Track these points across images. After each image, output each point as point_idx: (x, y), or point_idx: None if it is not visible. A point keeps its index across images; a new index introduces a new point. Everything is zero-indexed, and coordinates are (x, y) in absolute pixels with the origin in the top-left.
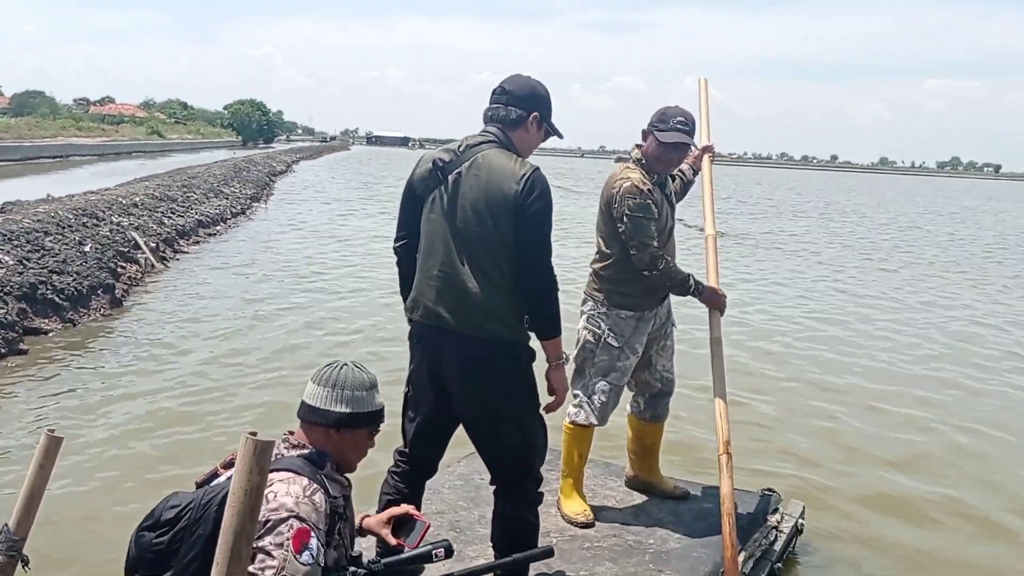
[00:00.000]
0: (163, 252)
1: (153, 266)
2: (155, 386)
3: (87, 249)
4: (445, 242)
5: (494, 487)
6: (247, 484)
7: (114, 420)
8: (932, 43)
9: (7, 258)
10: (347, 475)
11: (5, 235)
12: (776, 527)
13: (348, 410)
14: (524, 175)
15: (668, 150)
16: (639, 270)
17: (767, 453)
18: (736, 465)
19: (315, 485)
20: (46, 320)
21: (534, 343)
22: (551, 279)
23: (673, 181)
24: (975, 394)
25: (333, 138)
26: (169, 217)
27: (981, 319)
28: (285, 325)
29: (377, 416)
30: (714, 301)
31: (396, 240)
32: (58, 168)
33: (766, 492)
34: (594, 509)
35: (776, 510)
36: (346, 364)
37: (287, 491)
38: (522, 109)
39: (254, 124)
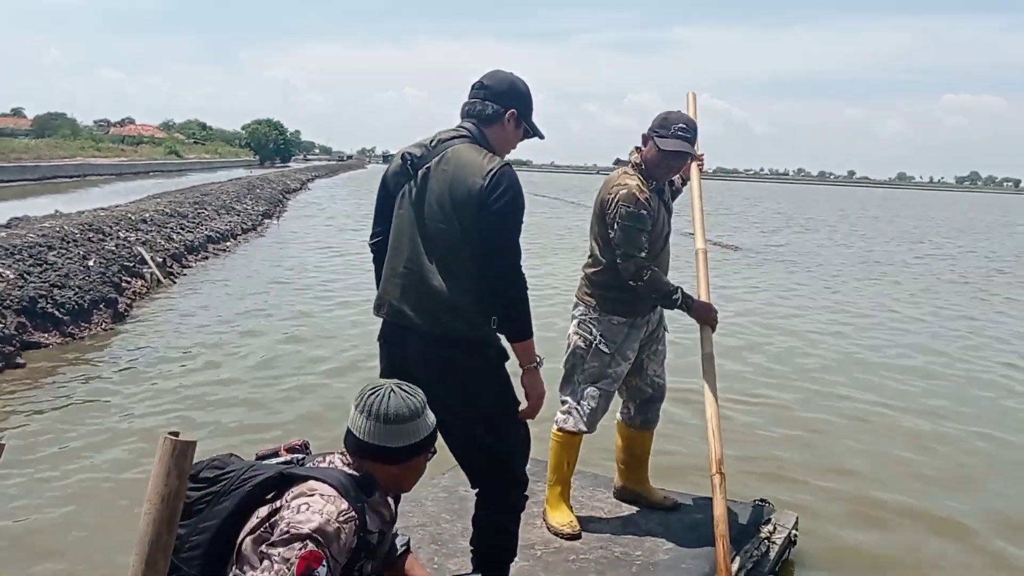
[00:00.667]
0: (170, 267)
1: (159, 281)
2: (150, 397)
3: (91, 264)
4: (411, 239)
5: (474, 491)
6: (164, 489)
7: (102, 430)
8: (952, 58)
9: (8, 272)
10: (392, 506)
11: (7, 249)
12: (768, 538)
13: (405, 443)
14: (491, 170)
15: (669, 157)
16: (624, 279)
17: (760, 462)
18: (728, 473)
19: (352, 513)
20: (45, 334)
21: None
22: (516, 279)
23: (671, 187)
24: (968, 404)
25: (350, 157)
26: (178, 233)
27: (981, 330)
28: (287, 336)
29: (432, 437)
30: (704, 316)
31: (372, 237)
32: (74, 187)
33: (759, 503)
34: (581, 520)
35: (768, 521)
36: (392, 391)
37: (322, 508)
38: (499, 105)
39: (271, 144)
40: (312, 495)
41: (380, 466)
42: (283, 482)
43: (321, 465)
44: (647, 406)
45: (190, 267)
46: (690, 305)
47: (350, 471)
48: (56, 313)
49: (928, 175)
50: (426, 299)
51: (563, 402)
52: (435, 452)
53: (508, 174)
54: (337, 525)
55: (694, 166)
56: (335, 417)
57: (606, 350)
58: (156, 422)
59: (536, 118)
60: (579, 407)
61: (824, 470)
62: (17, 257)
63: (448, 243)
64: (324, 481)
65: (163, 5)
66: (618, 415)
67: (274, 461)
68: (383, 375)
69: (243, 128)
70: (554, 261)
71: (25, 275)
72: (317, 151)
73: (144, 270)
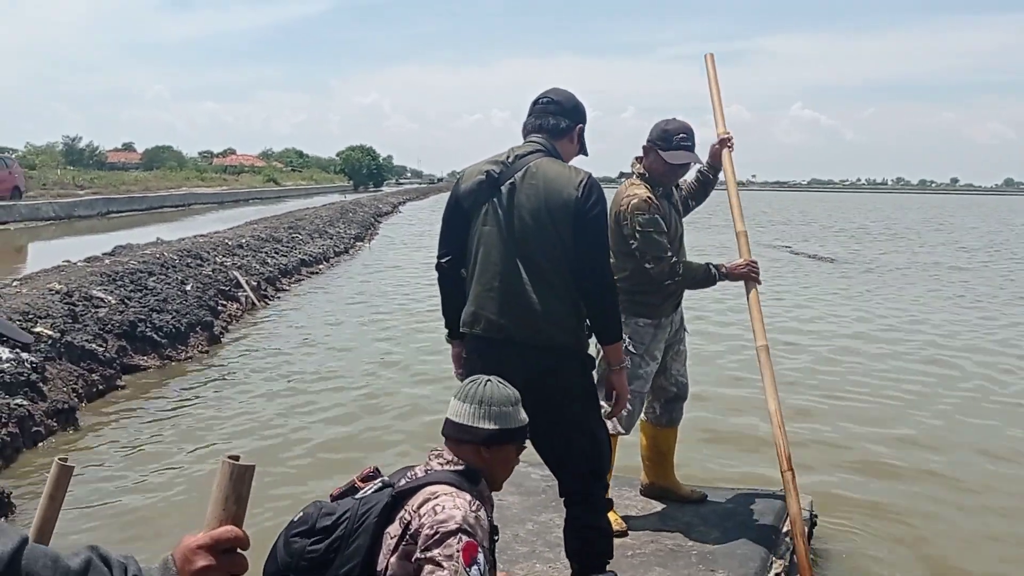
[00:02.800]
0: (264, 290)
1: (254, 304)
2: (241, 420)
3: (188, 288)
4: (502, 253)
5: (563, 497)
6: (222, 514)
7: (197, 452)
8: None
9: (110, 297)
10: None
11: (110, 276)
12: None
13: (496, 426)
14: (582, 181)
15: (675, 168)
16: (660, 282)
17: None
18: (737, 462)
19: (478, 502)
20: (144, 357)
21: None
22: (612, 283)
23: (679, 190)
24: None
25: (440, 179)
26: (273, 257)
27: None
28: (379, 358)
29: (523, 431)
30: (743, 273)
31: (441, 256)
32: (179, 216)
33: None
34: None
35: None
36: (489, 380)
37: (455, 504)
38: (570, 120)
39: (364, 169)
40: (437, 497)
41: (472, 449)
42: (399, 501)
43: (420, 474)
44: (671, 405)
45: (284, 290)
46: (727, 271)
47: (452, 468)
48: (155, 336)
49: None
50: (526, 311)
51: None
52: (524, 447)
53: (597, 184)
54: (474, 514)
55: (725, 152)
56: (415, 447)
57: (635, 351)
58: (243, 445)
59: (618, 134)
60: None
61: (834, 455)
62: (119, 283)
63: (547, 254)
64: (438, 483)
65: (254, 37)
66: (643, 415)
67: (369, 491)
68: None
69: (337, 154)
70: None
71: (126, 300)
72: (409, 175)
73: (239, 293)
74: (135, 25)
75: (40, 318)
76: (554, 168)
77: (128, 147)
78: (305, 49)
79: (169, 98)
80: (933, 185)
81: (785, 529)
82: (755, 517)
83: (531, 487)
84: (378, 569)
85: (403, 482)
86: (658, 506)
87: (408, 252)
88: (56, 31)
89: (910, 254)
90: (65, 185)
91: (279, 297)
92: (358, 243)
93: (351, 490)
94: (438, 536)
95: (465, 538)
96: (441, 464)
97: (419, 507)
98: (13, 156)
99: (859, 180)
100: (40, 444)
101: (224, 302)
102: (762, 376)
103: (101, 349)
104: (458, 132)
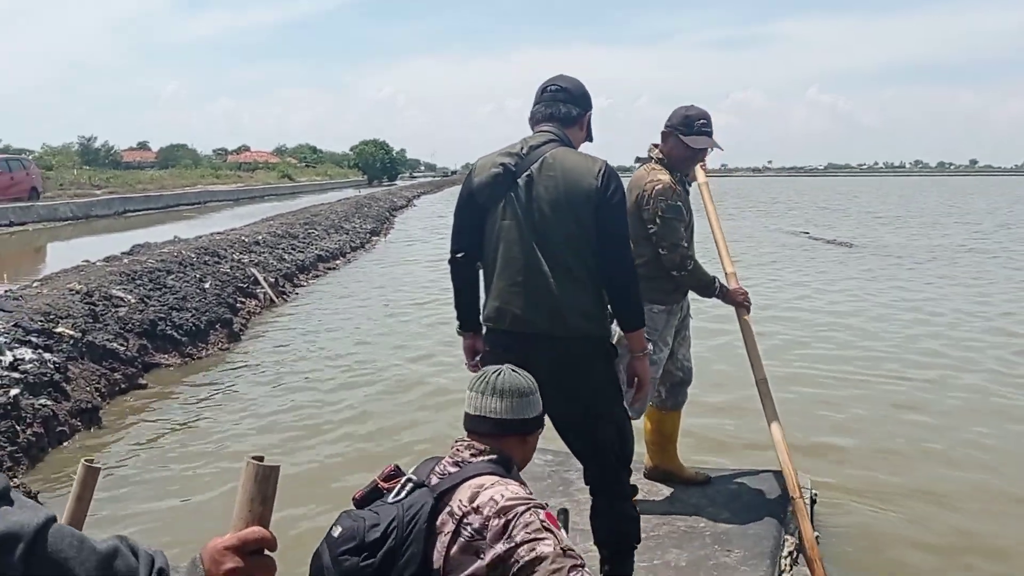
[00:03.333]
0: (282, 287)
1: (272, 301)
2: (263, 417)
3: (207, 286)
4: (524, 246)
5: (590, 485)
6: (248, 515)
7: (209, 451)
8: None
9: (129, 297)
10: None
11: (129, 275)
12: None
13: (536, 413)
14: (600, 170)
15: (696, 153)
16: (668, 270)
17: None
18: (733, 440)
19: (525, 487)
20: (165, 355)
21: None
22: (634, 270)
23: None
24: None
25: (454, 172)
26: (289, 253)
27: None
28: (399, 352)
29: (543, 416)
30: (738, 300)
31: (455, 252)
32: (195, 214)
33: (778, 471)
34: None
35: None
36: (511, 369)
37: (510, 490)
38: (580, 108)
39: (378, 163)
40: (483, 488)
41: (516, 441)
42: (440, 500)
43: (451, 468)
44: (677, 389)
45: (302, 286)
46: (725, 292)
47: (486, 458)
48: (175, 335)
49: None
50: (553, 304)
51: None
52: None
53: (615, 171)
54: (526, 493)
55: (697, 167)
56: (437, 445)
57: (649, 338)
58: (267, 441)
59: (633, 122)
60: (627, 397)
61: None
62: (138, 282)
63: (569, 245)
64: (477, 475)
65: (268, 34)
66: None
67: (402, 493)
68: None
69: (351, 149)
70: None
71: (146, 299)
72: (423, 168)
73: (257, 290)
74: (150, 26)
75: (61, 318)
76: (571, 158)
77: (143, 146)
78: (318, 45)
79: (184, 97)
80: (952, 167)
81: (790, 508)
82: (761, 497)
83: (537, 473)
84: (435, 567)
85: (435, 480)
86: (665, 489)
87: (423, 247)
88: (72, 35)
89: (936, 238)
90: (82, 185)
91: (297, 293)
92: (374, 238)
93: (374, 491)
94: (515, 520)
95: (540, 510)
96: (473, 455)
97: (471, 500)
98: (30, 157)
99: (877, 164)
100: (65, 444)
101: (243, 299)
102: (764, 407)
103: (122, 348)
104: (472, 124)
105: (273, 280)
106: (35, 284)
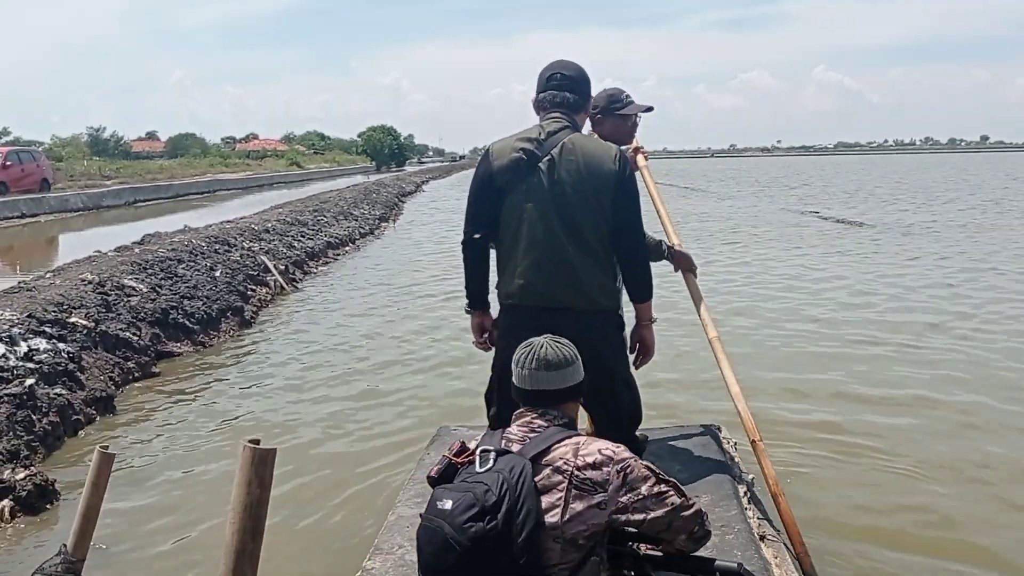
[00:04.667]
0: (292, 274)
1: (283, 288)
2: (276, 403)
3: (217, 274)
4: (548, 226)
5: None
6: (247, 498)
7: (232, 436)
8: None
9: (141, 286)
10: None
11: (141, 264)
12: (733, 456)
13: (583, 376)
14: (616, 155)
15: (634, 122)
16: None
17: (704, 391)
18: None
19: None
20: (178, 344)
21: None
22: (646, 247)
23: None
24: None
25: (462, 157)
26: (299, 240)
27: None
28: (410, 338)
29: None
30: (685, 263)
31: (472, 233)
32: (205, 203)
33: (705, 426)
34: None
35: (726, 439)
36: (546, 344)
37: (605, 444)
38: (584, 95)
39: (386, 149)
40: (588, 444)
41: (573, 404)
42: (535, 463)
43: (528, 434)
44: None
45: (312, 273)
46: (673, 254)
47: (560, 422)
48: (187, 323)
49: None
50: (576, 280)
51: None
52: None
53: (626, 156)
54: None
55: (640, 156)
56: (451, 414)
57: None
58: (281, 427)
59: (644, 103)
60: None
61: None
62: (149, 271)
63: (589, 225)
64: (567, 437)
65: (275, 19)
66: None
67: (490, 460)
68: None
69: (359, 135)
70: None
71: (157, 288)
72: (431, 153)
73: (268, 278)
74: (157, 13)
75: (74, 308)
76: (589, 143)
77: (152, 136)
78: (325, 30)
79: (191, 84)
80: (963, 144)
81: (735, 457)
82: (704, 450)
83: None
84: (550, 522)
85: (518, 447)
86: None
87: (433, 231)
88: (80, 25)
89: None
90: (92, 176)
91: (307, 280)
92: (383, 224)
93: (450, 467)
94: (630, 473)
95: (640, 459)
96: (548, 421)
97: (576, 455)
98: (40, 149)
99: (886, 141)
100: (80, 432)
101: (253, 287)
102: (719, 363)
103: (135, 337)
104: (479, 108)
105: (283, 267)
106: (48, 275)
